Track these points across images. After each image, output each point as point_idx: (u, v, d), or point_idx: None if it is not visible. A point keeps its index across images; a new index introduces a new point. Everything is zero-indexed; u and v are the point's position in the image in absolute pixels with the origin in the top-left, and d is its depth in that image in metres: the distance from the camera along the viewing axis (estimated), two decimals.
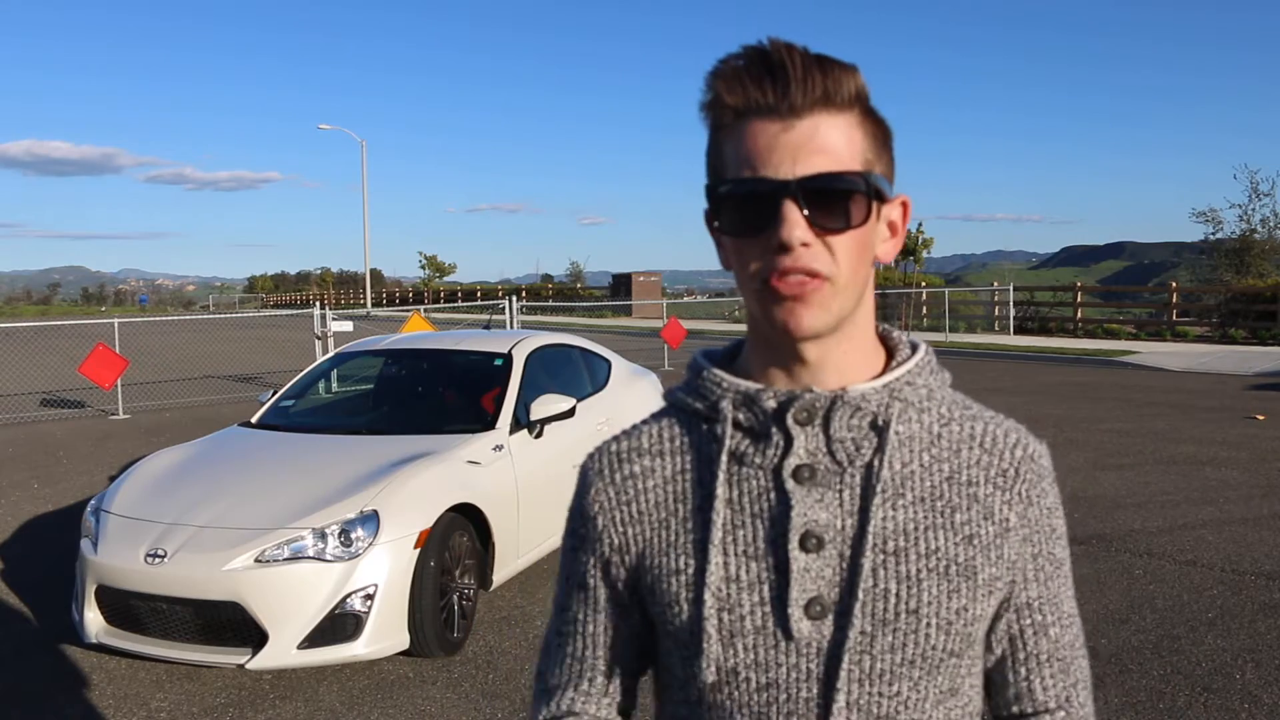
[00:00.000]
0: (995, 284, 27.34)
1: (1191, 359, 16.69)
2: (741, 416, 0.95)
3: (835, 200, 0.86)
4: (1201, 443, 9.12)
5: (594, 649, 1.02)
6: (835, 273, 0.87)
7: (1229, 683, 3.98)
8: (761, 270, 0.87)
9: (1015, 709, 0.99)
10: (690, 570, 0.94)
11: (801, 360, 0.93)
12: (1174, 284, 24.93)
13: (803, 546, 0.90)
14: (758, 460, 0.94)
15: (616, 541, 1.00)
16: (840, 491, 0.92)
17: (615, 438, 1.04)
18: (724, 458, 0.94)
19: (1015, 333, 23.87)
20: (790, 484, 0.92)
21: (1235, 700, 3.83)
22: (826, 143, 0.86)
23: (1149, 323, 23.46)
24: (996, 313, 25.36)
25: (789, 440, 0.92)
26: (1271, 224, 26.51)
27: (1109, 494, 7.17)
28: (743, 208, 0.87)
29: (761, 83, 0.85)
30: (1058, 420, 10.55)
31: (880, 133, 0.90)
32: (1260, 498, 6.99)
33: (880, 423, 0.93)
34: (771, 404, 0.93)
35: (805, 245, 0.85)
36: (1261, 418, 10.51)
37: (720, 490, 0.94)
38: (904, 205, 0.95)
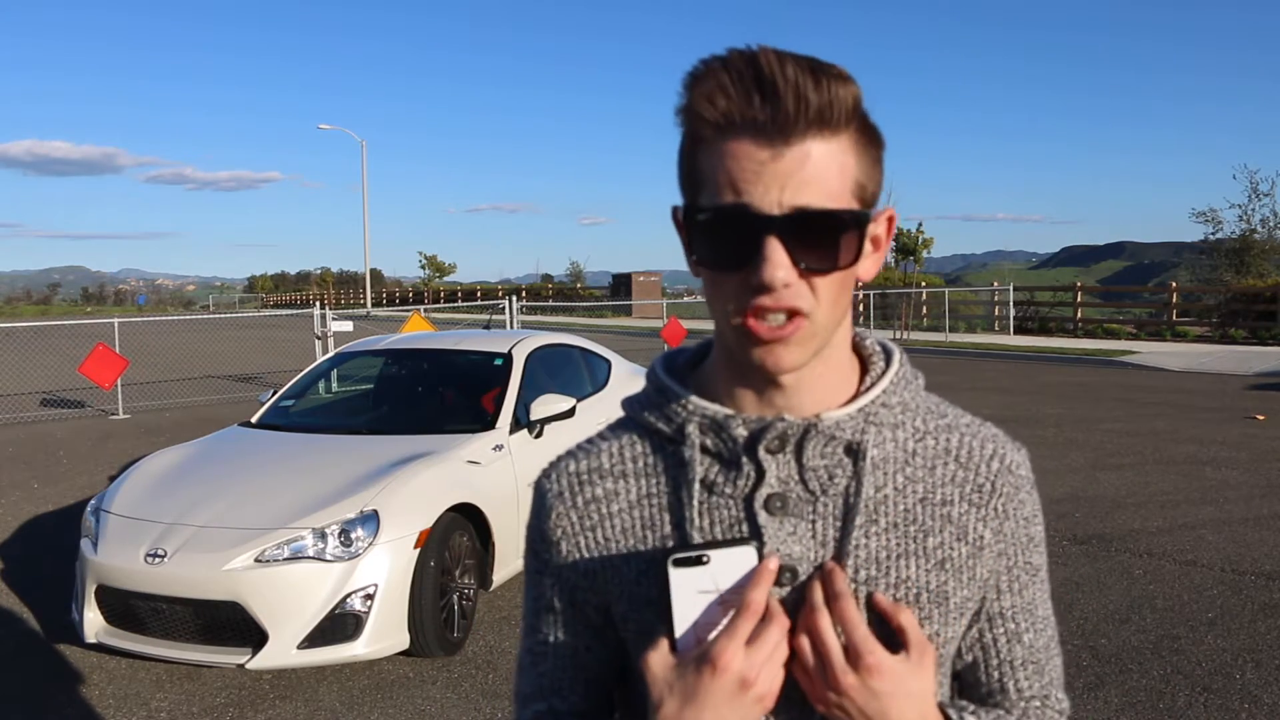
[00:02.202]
0: (995, 284, 27.34)
1: (1191, 359, 16.69)
2: (709, 442, 0.91)
3: (823, 238, 0.80)
4: (1201, 443, 9.12)
5: (565, 669, 1.00)
6: (815, 311, 0.82)
7: (1229, 683, 3.98)
8: (738, 308, 0.82)
9: (989, 703, 0.98)
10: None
11: (775, 386, 0.89)
12: (1174, 284, 24.95)
13: (776, 581, 0.88)
14: (728, 490, 0.90)
15: (584, 568, 0.97)
16: (813, 522, 0.89)
17: (572, 454, 1.00)
18: (696, 487, 0.91)
19: (1015, 333, 23.88)
20: (762, 515, 0.89)
21: (1235, 700, 3.83)
22: (817, 172, 0.79)
23: (1149, 323, 23.46)
24: (996, 313, 25.37)
25: (760, 471, 0.89)
26: (1271, 224, 26.54)
27: (1109, 494, 7.17)
28: (722, 238, 0.81)
29: (749, 98, 0.78)
30: (1058, 420, 10.55)
31: (873, 147, 0.84)
32: (1260, 498, 6.99)
33: (854, 448, 0.90)
34: (742, 433, 0.89)
35: (786, 286, 0.79)
36: (1261, 418, 10.51)
37: (694, 519, 0.91)
38: (889, 220, 0.90)
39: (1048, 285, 31.27)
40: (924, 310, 26.26)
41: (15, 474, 8.90)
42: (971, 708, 0.93)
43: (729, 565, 0.85)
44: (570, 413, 5.33)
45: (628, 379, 6.69)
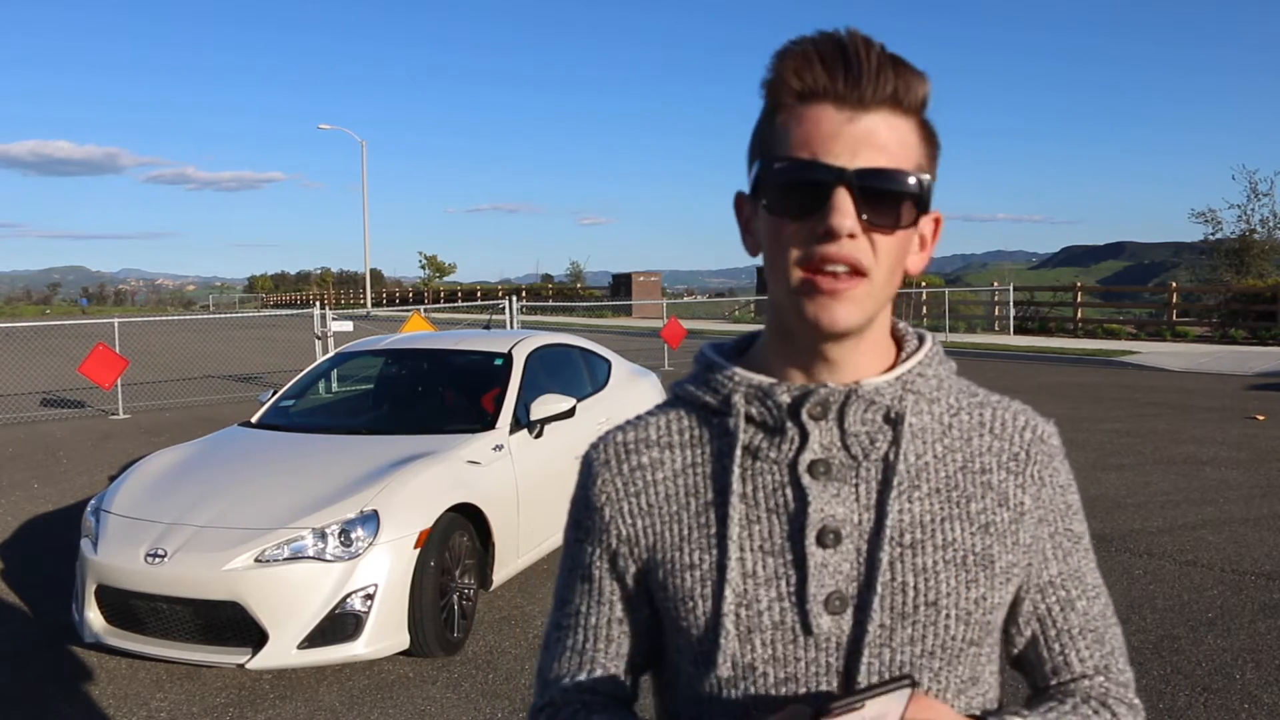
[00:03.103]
0: (995, 284, 27.33)
1: (1191, 359, 16.69)
2: (754, 411, 0.94)
3: (887, 198, 0.86)
4: (1201, 443, 9.12)
5: (595, 641, 1.01)
6: (874, 270, 0.86)
7: (1229, 683, 3.98)
8: (802, 258, 0.86)
9: (1054, 680, 0.99)
10: (706, 565, 0.94)
11: (823, 358, 0.93)
12: (1174, 284, 24.93)
13: (820, 542, 0.91)
14: (772, 455, 0.93)
15: (625, 533, 0.98)
16: (856, 485, 0.92)
17: (620, 428, 1.03)
18: (738, 452, 0.94)
19: (1015, 333, 23.87)
20: (806, 479, 0.92)
21: (1235, 700, 3.83)
22: (886, 141, 0.85)
23: (1149, 323, 23.45)
24: (996, 313, 25.36)
25: (804, 435, 0.92)
26: (1271, 224, 26.51)
27: (1109, 494, 7.17)
28: (794, 189, 0.86)
29: (833, 69, 0.85)
30: (1058, 420, 10.41)
31: (932, 145, 0.90)
32: (1260, 498, 6.99)
33: (894, 415, 0.93)
34: (786, 399, 0.93)
35: (851, 237, 0.84)
36: (1261, 418, 10.51)
37: (735, 485, 0.93)
38: (936, 221, 0.95)
39: (1048, 285, 31.26)
40: (924, 310, 26.25)
41: (15, 474, 8.90)
42: (1014, 709, 0.94)
43: (883, 710, 0.80)
44: (570, 413, 5.33)
45: (628, 379, 6.70)
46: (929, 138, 0.90)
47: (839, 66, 0.85)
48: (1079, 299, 24.71)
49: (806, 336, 0.91)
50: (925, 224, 0.93)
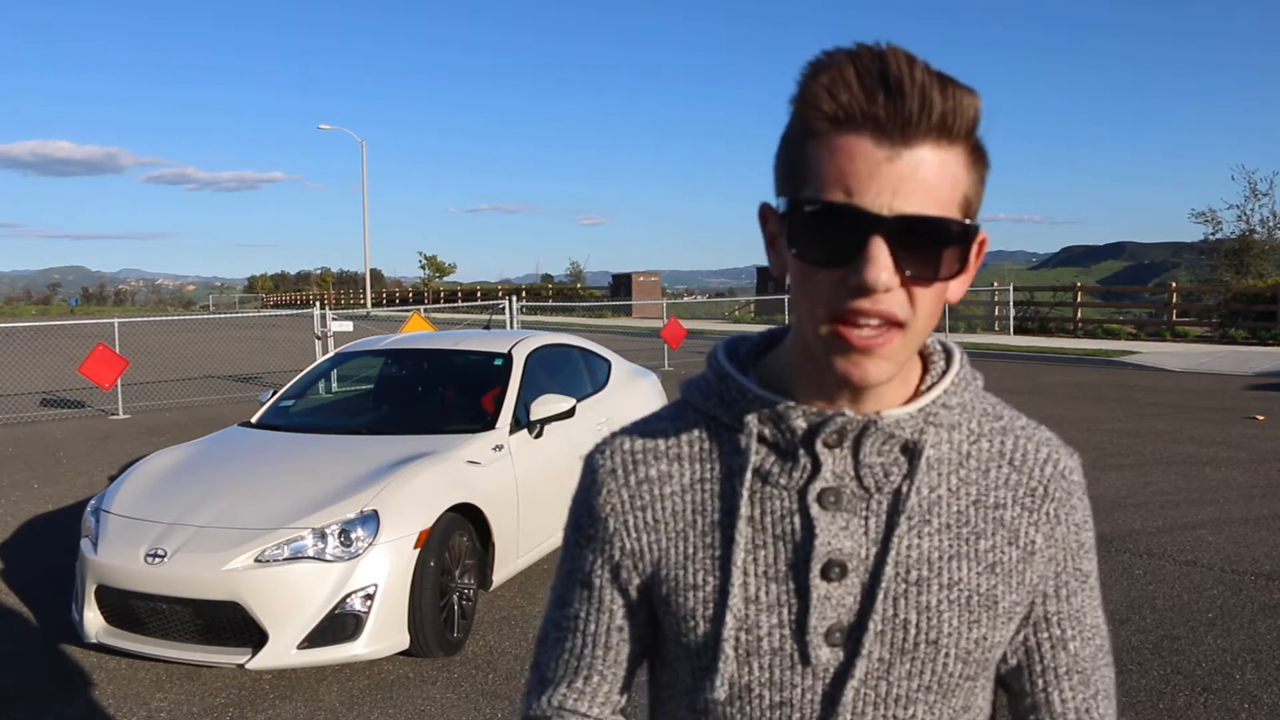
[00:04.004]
0: (995, 284, 27.32)
1: (1191, 359, 16.68)
2: (767, 432, 0.91)
3: (929, 247, 0.78)
4: (1201, 443, 9.12)
5: (593, 647, 1.00)
6: (911, 321, 0.79)
7: (1229, 683, 3.99)
8: (833, 309, 0.79)
9: (1032, 717, 0.98)
10: (709, 587, 0.92)
11: (851, 390, 0.87)
12: (1174, 284, 24.92)
13: (824, 575, 0.89)
14: (783, 481, 0.90)
15: (630, 547, 0.96)
16: (866, 518, 0.89)
17: (628, 432, 0.99)
18: (748, 474, 0.91)
19: (1015, 333, 23.87)
20: (815, 508, 0.89)
21: (1235, 700, 3.83)
22: (931, 179, 0.77)
23: (1149, 323, 23.45)
24: (996, 313, 25.36)
25: (816, 464, 0.89)
26: (1270, 224, 26.53)
27: (1109, 494, 7.17)
28: (825, 234, 0.78)
29: (873, 95, 0.75)
30: (1058, 420, 10.55)
31: (983, 168, 0.82)
32: (1260, 498, 6.99)
33: (912, 446, 0.90)
34: (801, 425, 0.89)
35: (887, 290, 0.77)
36: (1261, 418, 10.51)
37: (743, 508, 0.91)
38: (981, 243, 0.85)
39: (1048, 285, 31.25)
40: None
41: (15, 474, 8.90)
42: None
43: None
44: (570, 413, 5.33)
45: (628, 379, 6.70)
46: (979, 162, 0.81)
47: (879, 88, 0.75)
48: (1079, 299, 24.72)
49: (833, 380, 0.86)
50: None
